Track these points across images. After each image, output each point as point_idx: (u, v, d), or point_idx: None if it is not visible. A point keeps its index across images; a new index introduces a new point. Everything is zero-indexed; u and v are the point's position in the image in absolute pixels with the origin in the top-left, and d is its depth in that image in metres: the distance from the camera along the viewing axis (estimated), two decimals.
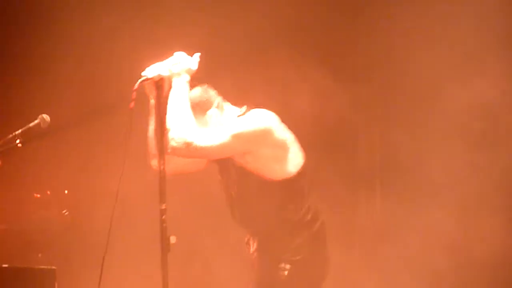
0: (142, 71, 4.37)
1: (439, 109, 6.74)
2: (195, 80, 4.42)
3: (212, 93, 4.47)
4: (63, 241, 6.73)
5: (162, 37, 6.85)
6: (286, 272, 4.31)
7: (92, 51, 7.12)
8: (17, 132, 4.78)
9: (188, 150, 4.18)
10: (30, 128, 4.79)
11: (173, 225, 4.16)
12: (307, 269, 4.37)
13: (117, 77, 6.95)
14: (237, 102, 4.60)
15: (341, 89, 6.77)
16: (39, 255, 6.51)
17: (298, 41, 6.91)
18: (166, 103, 4.28)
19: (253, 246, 4.47)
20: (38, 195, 6.86)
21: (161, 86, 4.28)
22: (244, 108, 4.46)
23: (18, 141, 4.76)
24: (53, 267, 4.75)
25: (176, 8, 7.05)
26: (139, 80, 4.25)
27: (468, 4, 6.61)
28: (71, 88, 7.12)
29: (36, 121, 4.81)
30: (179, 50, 4.42)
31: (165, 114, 4.26)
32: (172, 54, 4.41)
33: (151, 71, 4.30)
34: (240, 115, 4.42)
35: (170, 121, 4.21)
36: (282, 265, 4.32)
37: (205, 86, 4.47)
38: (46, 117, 4.81)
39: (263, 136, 4.28)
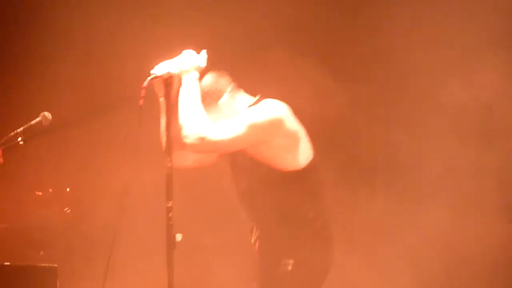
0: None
1: (439, 108, 6.72)
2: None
3: (224, 80, 4.48)
4: (64, 239, 6.72)
5: (163, 37, 6.85)
6: (289, 267, 4.29)
7: (94, 49, 7.13)
8: (18, 130, 4.78)
9: (203, 145, 4.18)
10: (31, 125, 4.79)
11: (179, 222, 4.14)
12: (311, 265, 4.35)
13: (119, 75, 6.96)
14: None
15: (342, 88, 6.76)
16: (41, 253, 6.50)
17: (298, 41, 6.89)
18: (175, 101, 4.29)
19: (254, 235, 4.45)
20: (40, 193, 6.85)
21: (170, 83, 4.29)
22: (257, 97, 4.46)
23: (20, 139, 4.76)
24: (55, 265, 4.73)
25: (176, 7, 7.05)
26: (148, 78, 4.26)
27: (467, 4, 6.59)
28: (73, 86, 7.13)
29: (37, 119, 4.81)
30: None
31: (175, 111, 4.27)
32: (176, 53, 4.42)
33: (160, 69, 4.31)
34: (252, 105, 4.41)
35: (183, 118, 4.23)
36: (285, 260, 4.31)
37: (217, 73, 4.48)
38: (47, 114, 4.82)
39: (276, 125, 4.28)
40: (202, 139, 4.17)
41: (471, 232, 6.54)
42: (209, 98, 4.40)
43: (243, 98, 4.49)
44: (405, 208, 6.75)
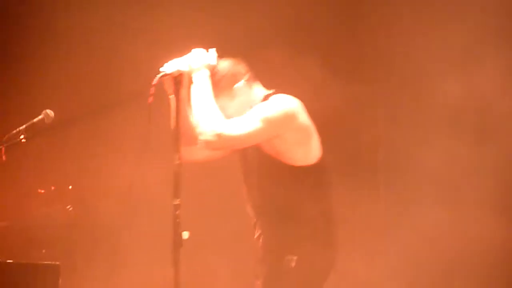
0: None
1: (439, 108, 6.73)
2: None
3: (242, 67, 4.48)
4: (67, 237, 6.70)
5: (164, 36, 6.88)
6: (293, 263, 4.28)
7: (96, 47, 7.11)
8: (21, 128, 4.79)
9: (220, 141, 4.19)
10: (34, 123, 4.78)
11: (186, 220, 4.13)
12: (314, 262, 4.33)
13: (121, 74, 6.96)
14: None
15: (342, 88, 6.76)
16: (43, 251, 6.49)
17: (298, 40, 6.90)
18: (185, 99, 4.31)
19: (258, 231, 4.44)
20: (42, 191, 6.84)
21: (179, 81, 4.30)
22: (273, 90, 4.46)
23: (22, 136, 4.75)
24: (57, 263, 4.74)
25: (177, 7, 7.04)
26: (158, 76, 4.27)
27: (466, 4, 6.60)
28: (75, 84, 7.12)
29: (40, 117, 4.82)
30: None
31: (184, 109, 4.30)
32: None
33: (169, 67, 4.32)
34: (267, 97, 4.41)
35: (198, 116, 4.25)
36: (289, 256, 4.29)
37: (235, 59, 4.48)
38: (50, 112, 4.82)
39: (290, 119, 4.28)
40: (219, 135, 4.17)
41: (472, 231, 6.53)
42: (225, 82, 4.40)
43: (259, 89, 4.49)
44: (405, 207, 6.76)
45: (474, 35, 6.56)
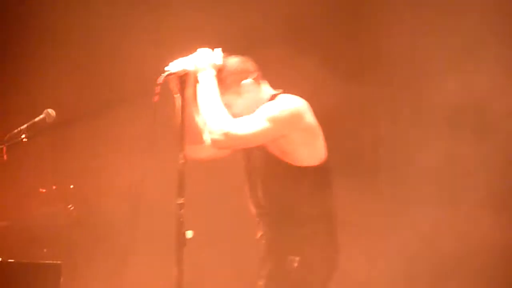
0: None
1: (440, 107, 6.72)
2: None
3: (250, 65, 4.47)
4: (68, 236, 6.70)
5: (165, 35, 6.86)
6: (295, 264, 4.27)
7: (98, 46, 7.11)
8: (22, 127, 4.79)
9: (228, 140, 4.19)
10: (35, 123, 4.78)
11: (189, 219, 4.12)
12: (317, 262, 4.32)
13: (123, 72, 6.96)
14: None
15: (343, 87, 6.74)
16: (44, 250, 6.49)
17: (298, 39, 6.88)
18: (190, 98, 4.32)
19: (261, 231, 4.43)
20: (44, 190, 6.84)
21: (185, 81, 4.31)
22: (280, 91, 4.45)
23: (23, 136, 4.74)
24: (59, 262, 4.75)
25: (177, 6, 7.03)
26: (163, 75, 4.27)
27: (467, 3, 6.58)
28: (76, 83, 7.12)
29: (41, 116, 4.82)
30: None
31: (189, 108, 4.31)
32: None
33: (175, 66, 4.32)
34: (273, 97, 4.40)
35: (206, 115, 4.24)
36: (292, 256, 4.28)
37: (244, 57, 4.47)
38: (51, 112, 4.83)
39: (296, 118, 4.27)
40: (226, 134, 4.17)
41: (472, 231, 6.52)
42: (232, 78, 4.39)
43: (266, 88, 4.48)
44: (406, 207, 6.75)
45: (474, 35, 6.55)
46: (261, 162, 4.38)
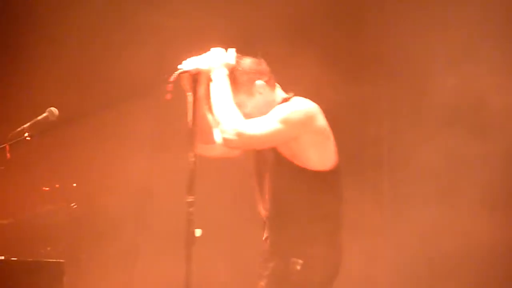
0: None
1: (442, 106, 6.72)
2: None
3: (264, 67, 4.46)
4: (71, 234, 6.71)
5: (168, 35, 6.87)
6: (298, 267, 4.25)
7: (100, 45, 7.11)
8: (25, 126, 4.78)
9: (240, 140, 4.19)
10: (38, 121, 4.77)
11: (199, 218, 4.11)
12: (320, 267, 4.30)
13: (126, 71, 6.95)
14: None
15: (345, 87, 6.74)
16: (48, 248, 6.51)
17: (300, 38, 6.89)
18: (202, 97, 4.33)
19: (266, 232, 4.42)
20: (47, 188, 6.85)
21: (197, 79, 4.30)
22: (291, 94, 4.45)
23: (26, 134, 4.74)
24: (61, 260, 4.75)
25: (178, 6, 7.04)
26: (176, 73, 4.26)
27: (467, 3, 6.59)
28: (79, 81, 7.14)
29: (44, 114, 4.82)
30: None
31: (201, 107, 4.33)
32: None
33: (188, 64, 4.32)
34: (284, 101, 4.40)
35: (219, 114, 4.25)
36: (295, 259, 4.26)
37: (258, 59, 4.47)
38: (54, 110, 4.82)
39: (309, 121, 4.27)
40: (239, 134, 4.18)
41: (474, 231, 6.53)
42: (245, 78, 4.38)
43: (278, 91, 4.48)
44: (407, 206, 6.77)
45: (475, 34, 6.55)
46: (271, 164, 4.38)
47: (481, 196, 6.55)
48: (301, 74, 5.75)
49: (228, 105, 4.24)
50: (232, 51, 4.39)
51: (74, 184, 6.84)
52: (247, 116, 4.28)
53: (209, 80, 4.32)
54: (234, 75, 4.36)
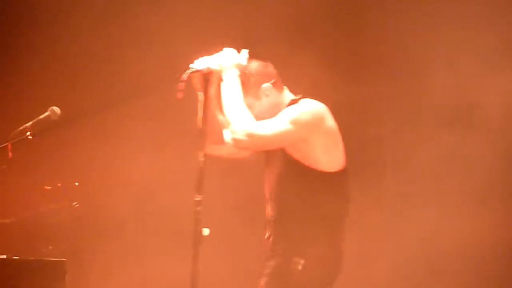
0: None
1: (444, 104, 6.70)
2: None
3: (271, 70, 4.46)
4: (73, 233, 6.71)
5: (169, 34, 6.85)
6: (299, 267, 4.25)
7: (102, 44, 7.09)
8: (27, 125, 4.76)
9: (250, 140, 4.20)
10: (40, 120, 4.76)
11: (206, 217, 4.10)
12: (321, 267, 4.29)
13: (128, 70, 6.95)
14: None
15: (346, 87, 6.74)
16: (50, 247, 6.51)
17: (301, 39, 6.88)
18: (213, 96, 4.33)
19: (269, 231, 4.41)
20: (49, 187, 6.85)
21: (208, 79, 4.30)
22: (299, 96, 4.44)
23: (28, 133, 4.73)
24: (63, 259, 4.73)
25: (179, 6, 7.03)
26: (187, 72, 4.25)
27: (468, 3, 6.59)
28: (81, 80, 7.12)
29: (46, 113, 4.80)
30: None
31: (212, 106, 4.33)
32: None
33: (200, 64, 4.31)
34: (293, 102, 4.39)
35: (230, 114, 4.25)
36: (297, 259, 4.26)
37: (265, 62, 4.47)
38: (56, 109, 4.81)
39: (318, 122, 4.27)
40: (250, 135, 4.18)
41: (474, 230, 6.52)
42: (252, 81, 4.38)
43: (286, 93, 4.48)
44: (408, 207, 6.76)
45: (475, 35, 6.53)
46: (279, 164, 4.37)
47: (481, 196, 6.55)
48: (301, 74, 5.74)
49: (239, 105, 4.24)
50: (244, 52, 4.39)
51: (76, 183, 6.84)
52: (256, 118, 4.28)
53: (220, 80, 4.32)
54: (241, 78, 4.36)
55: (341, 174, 4.35)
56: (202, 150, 4.16)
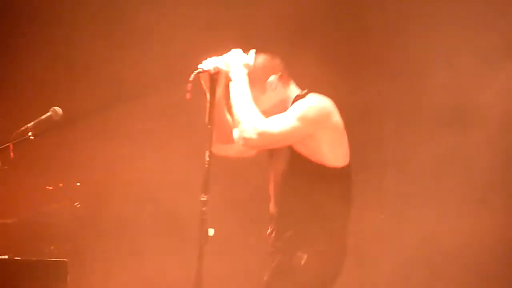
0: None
1: (444, 104, 6.70)
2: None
3: (277, 63, 4.45)
4: (75, 233, 6.70)
5: (169, 34, 6.84)
6: (302, 261, 4.25)
7: (103, 44, 7.08)
8: (29, 125, 4.76)
9: (262, 139, 4.20)
10: (42, 120, 4.75)
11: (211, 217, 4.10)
12: (324, 263, 4.28)
13: (129, 71, 6.94)
14: None
15: (346, 85, 6.73)
16: (51, 247, 6.50)
17: (300, 37, 6.87)
18: (220, 97, 4.35)
19: (272, 226, 4.40)
20: (50, 188, 6.84)
21: (216, 79, 4.31)
22: (305, 91, 4.44)
23: (30, 133, 4.72)
24: (65, 260, 4.73)
25: (180, 6, 7.02)
26: (195, 72, 4.25)
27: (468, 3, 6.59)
28: (83, 81, 7.10)
29: (48, 114, 4.80)
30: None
31: (220, 106, 4.35)
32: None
33: (207, 64, 4.31)
34: (299, 97, 4.38)
35: (239, 114, 4.25)
36: (300, 254, 4.26)
37: (272, 55, 4.46)
38: (58, 109, 4.81)
39: (326, 118, 4.28)
40: (260, 133, 4.18)
41: (474, 230, 6.52)
42: (258, 74, 4.38)
43: (292, 88, 4.47)
44: (408, 207, 6.76)
45: (476, 35, 6.54)
46: (285, 160, 4.36)
47: (481, 196, 6.55)
48: (301, 74, 5.72)
49: (248, 104, 4.24)
50: (252, 52, 4.38)
51: (78, 183, 6.84)
52: (262, 113, 4.27)
53: (228, 80, 4.32)
54: (248, 73, 4.35)
55: (346, 170, 4.35)
56: (208, 150, 4.16)
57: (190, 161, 5.83)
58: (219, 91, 4.33)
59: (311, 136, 4.25)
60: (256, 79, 4.35)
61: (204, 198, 4.10)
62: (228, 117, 4.40)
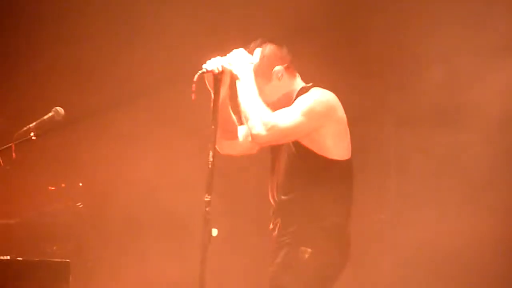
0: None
1: (444, 104, 6.71)
2: None
3: (285, 53, 4.45)
4: (77, 233, 6.70)
5: (169, 34, 6.84)
6: (306, 256, 4.26)
7: (107, 45, 7.10)
8: (31, 125, 4.75)
9: (272, 133, 4.20)
10: (44, 120, 4.75)
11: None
12: (327, 257, 4.29)
13: (132, 71, 6.95)
14: None
15: (346, 85, 6.72)
16: (54, 247, 6.50)
17: (301, 37, 6.86)
18: (225, 96, 4.35)
19: (275, 220, 4.40)
20: (53, 188, 6.84)
21: (220, 79, 4.30)
22: (310, 84, 4.44)
23: (32, 134, 4.72)
24: (67, 260, 4.72)
25: (181, 5, 7.02)
26: (199, 72, 4.25)
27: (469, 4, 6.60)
28: (85, 81, 7.11)
29: (50, 114, 4.78)
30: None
31: (224, 106, 4.36)
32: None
33: (211, 64, 4.31)
34: (304, 88, 4.39)
35: (247, 111, 4.25)
36: (303, 248, 4.27)
37: (281, 45, 4.45)
38: (60, 109, 4.80)
39: (331, 111, 4.30)
40: (270, 128, 4.19)
41: (474, 230, 6.53)
42: (264, 62, 4.38)
43: (297, 80, 4.48)
44: (407, 206, 6.76)
45: (477, 36, 6.54)
46: (289, 153, 4.37)
47: (481, 196, 6.56)
48: (301, 74, 5.74)
49: (256, 101, 4.25)
50: (257, 51, 4.38)
51: (80, 184, 6.84)
52: (266, 104, 4.28)
53: (232, 80, 4.32)
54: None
55: (348, 163, 4.36)
56: (212, 150, 4.16)
57: (193, 162, 5.82)
58: (223, 91, 4.32)
59: (317, 130, 4.26)
60: (262, 67, 4.35)
61: (207, 198, 4.08)
62: (233, 116, 4.40)
